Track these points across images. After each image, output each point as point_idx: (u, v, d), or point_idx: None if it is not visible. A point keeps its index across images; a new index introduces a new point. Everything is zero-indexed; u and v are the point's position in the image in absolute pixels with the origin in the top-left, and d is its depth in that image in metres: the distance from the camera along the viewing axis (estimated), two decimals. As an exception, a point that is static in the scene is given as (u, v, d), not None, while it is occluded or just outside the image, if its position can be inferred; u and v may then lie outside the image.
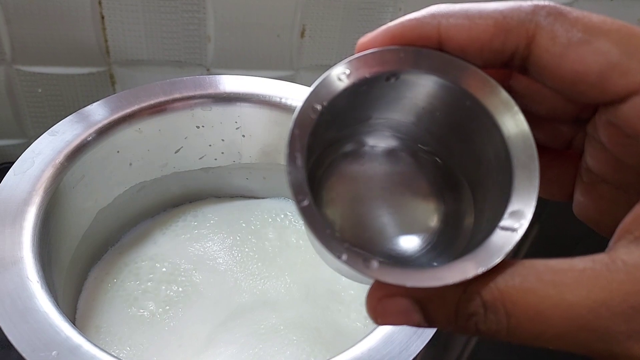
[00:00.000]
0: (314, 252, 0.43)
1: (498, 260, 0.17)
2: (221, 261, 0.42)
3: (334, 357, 0.28)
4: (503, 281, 0.17)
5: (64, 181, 0.35)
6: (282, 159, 0.44)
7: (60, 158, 0.35)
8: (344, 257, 0.17)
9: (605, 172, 0.20)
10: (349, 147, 0.21)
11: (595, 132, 0.20)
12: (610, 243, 0.18)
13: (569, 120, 0.21)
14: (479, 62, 0.18)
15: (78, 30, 0.49)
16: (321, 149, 0.20)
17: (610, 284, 0.16)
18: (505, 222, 0.17)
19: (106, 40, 0.50)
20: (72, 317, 0.38)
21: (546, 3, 0.18)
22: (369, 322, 0.39)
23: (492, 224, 0.18)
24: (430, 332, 0.29)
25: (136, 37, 0.50)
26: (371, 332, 0.29)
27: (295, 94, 0.41)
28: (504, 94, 0.18)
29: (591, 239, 0.62)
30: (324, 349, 0.37)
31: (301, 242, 0.44)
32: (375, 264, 0.17)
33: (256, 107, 0.41)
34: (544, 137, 0.22)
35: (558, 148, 0.22)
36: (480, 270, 0.17)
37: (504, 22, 0.18)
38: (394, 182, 0.21)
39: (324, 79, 0.18)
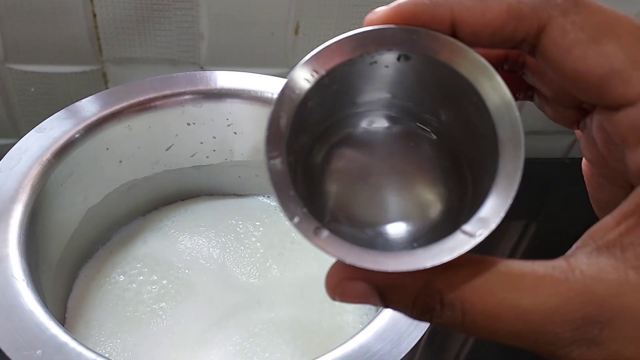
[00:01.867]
0: (307, 250, 0.43)
1: (439, 262, 0.17)
2: (214, 260, 0.42)
3: (326, 353, 0.27)
4: (464, 281, 0.17)
5: (52, 178, 0.34)
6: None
7: (48, 155, 0.34)
8: (296, 220, 0.17)
9: (593, 162, 0.21)
10: (350, 130, 0.21)
11: (591, 127, 0.20)
12: (573, 247, 0.18)
13: (574, 106, 0.21)
14: (487, 44, 0.18)
15: (70, 28, 0.49)
16: (314, 133, 0.20)
17: (566, 292, 0.17)
18: (468, 226, 0.17)
19: (99, 39, 0.50)
20: (62, 316, 0.37)
21: None
22: (363, 320, 0.39)
23: (464, 222, 0.17)
24: (422, 329, 0.29)
25: (129, 35, 0.50)
26: (363, 328, 0.29)
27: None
28: (498, 81, 0.18)
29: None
30: (318, 347, 0.37)
31: (295, 240, 0.44)
32: (324, 233, 0.17)
33: (248, 103, 0.41)
34: (552, 115, 0.22)
35: (566, 126, 0.22)
36: (419, 266, 0.17)
37: (517, 8, 0.18)
38: (399, 164, 0.21)
39: (321, 50, 0.18)
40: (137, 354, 0.36)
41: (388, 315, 0.29)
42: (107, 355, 0.33)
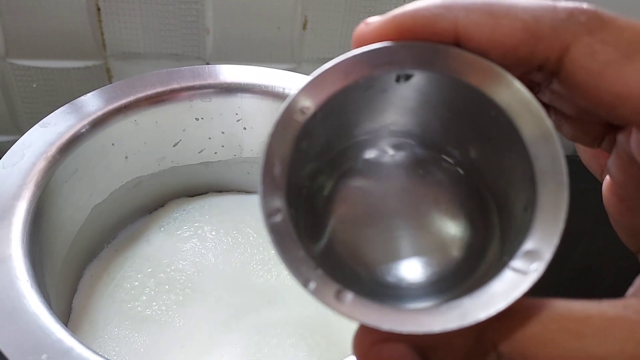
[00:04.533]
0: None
1: (494, 311, 0.14)
2: (222, 259, 0.41)
3: (343, 359, 0.26)
4: (521, 330, 0.15)
5: (56, 175, 0.33)
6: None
7: (52, 150, 0.33)
8: (312, 286, 0.15)
9: (627, 183, 0.19)
10: (354, 162, 0.19)
11: (626, 144, 0.17)
12: (637, 282, 0.16)
13: (598, 123, 0.19)
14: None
15: (73, 23, 0.48)
16: (315, 171, 0.18)
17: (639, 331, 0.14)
18: (517, 262, 0.15)
19: (102, 33, 0.49)
20: (66, 317, 0.36)
21: (586, 7, 0.15)
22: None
23: (508, 259, 0.15)
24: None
25: (133, 30, 0.49)
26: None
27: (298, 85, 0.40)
28: (534, 105, 0.15)
29: (597, 232, 0.61)
30: (330, 347, 0.36)
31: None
32: (348, 297, 0.15)
33: (258, 97, 0.40)
34: (573, 133, 0.19)
35: (586, 145, 0.20)
36: (471, 320, 0.14)
37: (534, 27, 0.15)
38: (411, 197, 0.18)
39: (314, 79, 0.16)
40: (144, 355, 0.35)
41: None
42: (113, 356, 0.32)
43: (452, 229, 0.18)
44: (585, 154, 0.21)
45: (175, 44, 0.51)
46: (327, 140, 0.18)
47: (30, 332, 0.26)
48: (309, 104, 0.16)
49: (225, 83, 0.39)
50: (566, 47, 0.15)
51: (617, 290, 0.55)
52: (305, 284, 0.15)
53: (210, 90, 0.39)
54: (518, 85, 0.15)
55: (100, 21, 0.48)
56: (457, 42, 0.16)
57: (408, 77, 0.16)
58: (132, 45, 0.50)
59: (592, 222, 0.65)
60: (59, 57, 0.50)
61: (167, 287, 0.38)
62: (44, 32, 0.48)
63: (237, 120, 0.41)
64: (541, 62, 0.16)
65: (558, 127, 0.19)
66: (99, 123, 0.36)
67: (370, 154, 0.19)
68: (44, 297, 0.28)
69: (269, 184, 0.15)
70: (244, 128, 0.42)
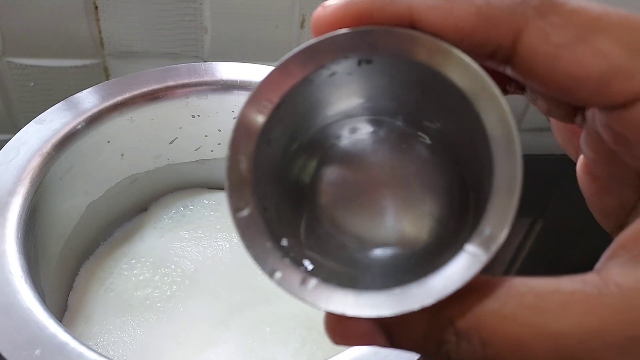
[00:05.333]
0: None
1: (444, 294, 0.14)
2: (218, 256, 0.41)
3: (337, 354, 0.26)
4: (479, 306, 0.15)
5: (52, 171, 0.33)
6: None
7: (48, 147, 0.33)
8: (277, 275, 0.15)
9: (598, 161, 0.19)
10: (341, 135, 0.19)
11: (593, 123, 0.17)
12: (602, 259, 0.16)
13: (567, 103, 0.18)
14: None
15: (71, 22, 0.48)
16: (302, 144, 0.18)
17: (603, 310, 0.14)
18: (471, 244, 0.15)
19: (100, 32, 0.49)
20: (62, 314, 0.36)
21: None
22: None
23: (469, 235, 0.15)
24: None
25: (131, 29, 0.49)
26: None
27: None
28: (487, 81, 0.15)
29: (595, 233, 0.61)
30: (328, 344, 0.36)
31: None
32: (313, 283, 0.15)
33: (254, 95, 0.40)
34: (545, 109, 0.19)
35: (561, 119, 0.20)
36: (425, 302, 0.14)
37: (488, 11, 0.15)
38: (396, 171, 0.19)
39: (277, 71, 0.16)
40: (140, 352, 0.35)
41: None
42: (109, 353, 0.31)
43: (429, 205, 0.18)
44: (561, 135, 0.21)
45: (173, 42, 0.51)
46: (301, 126, 0.18)
47: (24, 327, 0.26)
48: (270, 97, 0.16)
49: (222, 80, 0.39)
50: (519, 31, 0.15)
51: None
52: (271, 274, 0.15)
53: (207, 87, 0.39)
54: (469, 61, 0.15)
55: (97, 20, 0.48)
56: (413, 26, 0.16)
57: (368, 62, 0.16)
58: (130, 44, 0.50)
59: (590, 222, 0.65)
60: (56, 56, 0.50)
61: (163, 284, 0.38)
62: (41, 31, 0.48)
63: (234, 118, 0.41)
64: (495, 47, 0.15)
65: (533, 101, 0.19)
66: (94, 120, 0.36)
67: (348, 133, 0.19)
68: (38, 292, 0.28)
69: (235, 180, 0.16)
70: (241, 126, 0.42)
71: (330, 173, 0.19)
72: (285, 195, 0.17)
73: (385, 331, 0.16)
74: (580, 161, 0.20)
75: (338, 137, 0.19)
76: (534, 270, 0.52)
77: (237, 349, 0.35)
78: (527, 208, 0.59)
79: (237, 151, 0.16)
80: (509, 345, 0.14)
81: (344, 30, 0.16)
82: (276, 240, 0.16)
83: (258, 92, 0.16)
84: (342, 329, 0.16)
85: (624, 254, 0.15)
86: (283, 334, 0.36)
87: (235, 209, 0.15)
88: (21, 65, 0.50)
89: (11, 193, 0.31)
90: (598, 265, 0.16)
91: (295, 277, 0.15)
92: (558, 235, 0.56)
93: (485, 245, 0.15)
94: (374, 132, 0.19)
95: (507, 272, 0.52)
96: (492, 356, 0.15)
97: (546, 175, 0.65)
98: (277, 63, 0.16)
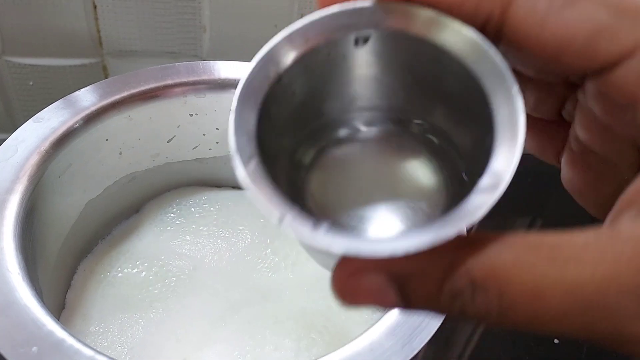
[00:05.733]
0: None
1: (465, 224, 0.14)
2: (217, 254, 0.41)
3: (336, 351, 0.26)
4: (495, 256, 0.14)
5: (50, 170, 0.33)
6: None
7: (46, 145, 0.33)
8: (288, 218, 0.15)
9: (595, 143, 0.19)
10: (336, 135, 0.19)
11: (586, 100, 0.18)
12: (610, 216, 0.16)
13: (558, 84, 0.19)
14: None
15: (70, 20, 0.48)
16: (298, 136, 0.18)
17: (617, 260, 0.14)
18: (480, 186, 0.15)
19: (99, 31, 0.49)
20: (59, 312, 0.36)
21: None
22: (373, 316, 0.38)
23: (471, 189, 0.15)
24: (434, 326, 0.28)
25: (129, 27, 0.49)
26: (373, 325, 0.27)
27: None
28: (482, 43, 0.16)
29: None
30: (325, 342, 0.36)
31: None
32: (325, 227, 0.15)
33: (252, 94, 0.40)
34: (533, 101, 0.20)
35: (547, 117, 0.20)
36: (445, 235, 0.14)
37: None
38: (390, 166, 0.19)
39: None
40: (139, 350, 0.35)
41: (397, 311, 0.28)
42: (107, 351, 0.32)
43: (427, 192, 0.19)
44: (538, 145, 0.21)
45: (172, 41, 0.51)
46: (297, 111, 0.18)
47: (21, 325, 0.26)
48: (273, 68, 0.16)
49: (220, 79, 0.39)
50: (508, 1, 0.15)
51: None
52: (281, 218, 0.15)
53: (205, 86, 0.39)
54: (463, 27, 0.16)
55: (96, 19, 0.48)
56: None
57: (365, 40, 0.16)
58: (129, 43, 0.50)
59: (589, 221, 0.64)
60: (55, 55, 0.50)
61: (161, 282, 0.38)
62: (40, 30, 0.48)
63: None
64: (485, 19, 0.16)
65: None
66: (92, 118, 0.36)
67: (343, 132, 0.19)
68: (35, 290, 0.28)
69: (241, 136, 0.16)
70: (239, 124, 0.42)
71: (328, 164, 0.19)
72: (282, 180, 0.17)
73: (399, 287, 0.15)
74: (566, 159, 0.20)
75: (333, 137, 0.19)
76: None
77: (235, 347, 0.35)
78: (525, 207, 0.59)
79: (241, 115, 0.16)
80: (525, 296, 0.14)
81: (342, 6, 0.16)
82: (282, 193, 0.15)
83: (262, 61, 0.17)
84: (353, 285, 0.15)
85: (633, 207, 0.15)
86: (281, 332, 0.36)
87: (243, 162, 0.15)
88: (20, 65, 0.50)
89: (9, 191, 0.31)
90: (606, 222, 0.16)
91: (305, 222, 0.15)
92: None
93: (495, 184, 0.15)
94: (367, 132, 0.19)
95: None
96: (507, 308, 0.15)
97: (545, 175, 0.65)
98: (279, 36, 0.16)
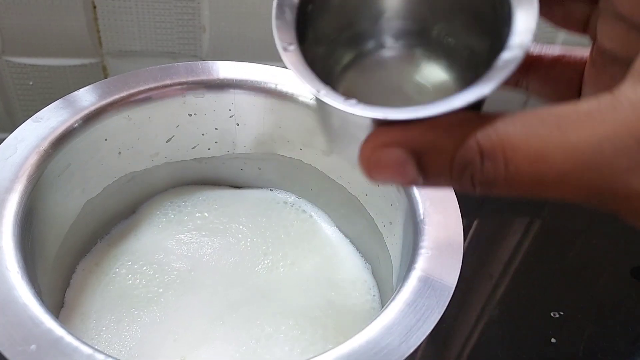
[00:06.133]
0: (312, 243, 0.42)
1: (494, 85, 0.16)
2: (216, 254, 0.41)
3: (334, 348, 0.26)
4: (503, 126, 0.16)
5: (49, 169, 0.33)
6: (278, 148, 0.43)
7: (45, 145, 0.33)
8: (322, 92, 0.18)
9: (621, 47, 0.19)
10: (367, 46, 0.22)
11: (610, 3, 0.19)
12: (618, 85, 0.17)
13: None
14: None
15: (69, 20, 0.48)
16: (335, 43, 0.21)
17: (614, 120, 0.16)
18: (503, 55, 0.17)
19: (98, 31, 0.49)
20: (58, 311, 0.36)
21: None
22: (371, 314, 0.38)
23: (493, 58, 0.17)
24: (431, 324, 0.28)
25: (129, 28, 0.49)
26: (371, 322, 0.28)
27: (291, 81, 0.40)
28: None
29: (593, 232, 0.61)
30: (324, 340, 0.36)
31: (298, 233, 0.43)
32: (355, 100, 0.17)
33: (251, 93, 0.40)
34: (558, 15, 0.21)
35: (573, 29, 0.21)
36: (467, 100, 0.16)
37: None
38: (411, 66, 0.21)
39: None
40: (137, 349, 0.35)
41: (397, 308, 0.28)
42: (105, 350, 0.32)
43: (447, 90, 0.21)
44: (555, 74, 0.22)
45: (172, 42, 0.51)
46: (330, 17, 0.21)
47: (20, 323, 0.26)
48: None
49: (218, 79, 0.39)
50: None
51: (614, 289, 0.55)
52: (317, 91, 0.18)
53: (203, 86, 0.39)
54: None
55: (96, 19, 0.49)
56: None
57: None
58: (128, 43, 0.50)
59: (588, 222, 0.65)
60: (55, 55, 0.50)
61: (160, 281, 0.38)
62: (40, 30, 0.48)
63: (231, 117, 0.41)
64: None
65: (548, 14, 0.21)
66: (91, 118, 0.36)
67: (371, 43, 0.22)
68: (34, 289, 0.28)
69: (281, 24, 0.19)
70: (237, 124, 0.42)
71: (360, 69, 0.22)
72: (322, 63, 0.20)
73: (416, 160, 0.17)
74: (589, 75, 0.21)
75: (365, 46, 0.22)
76: (532, 270, 0.52)
77: (234, 345, 0.35)
78: (524, 208, 0.59)
79: (282, 4, 0.20)
80: (530, 160, 0.16)
81: None
82: (317, 73, 0.18)
83: None
84: (377, 157, 0.17)
85: (634, 76, 0.16)
86: (280, 330, 0.36)
87: (283, 47, 0.19)
88: (20, 64, 0.50)
89: (8, 190, 0.31)
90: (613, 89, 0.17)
91: (338, 95, 0.18)
92: (556, 235, 0.57)
93: (521, 39, 0.16)
94: (395, 44, 0.22)
95: (505, 272, 0.52)
96: (513, 173, 0.16)
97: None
98: None
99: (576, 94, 0.21)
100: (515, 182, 0.16)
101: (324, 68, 0.20)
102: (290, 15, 0.19)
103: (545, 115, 0.16)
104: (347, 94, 0.19)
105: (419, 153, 0.17)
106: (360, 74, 0.21)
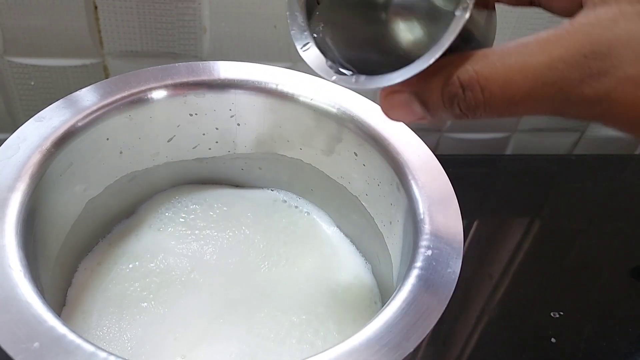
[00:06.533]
0: (310, 243, 0.42)
1: (450, 41, 0.20)
2: (217, 252, 0.41)
3: (333, 347, 0.26)
4: (475, 62, 0.20)
5: (51, 168, 0.34)
6: (279, 148, 0.43)
7: (47, 144, 0.34)
8: (335, 77, 0.24)
9: None
10: None
11: None
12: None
13: None
14: None
15: (71, 21, 0.48)
16: None
17: (567, 42, 0.19)
18: (454, 14, 0.21)
19: (99, 31, 0.49)
20: (60, 309, 0.36)
21: None
22: (370, 310, 0.38)
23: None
24: (431, 323, 0.28)
25: (130, 28, 0.49)
26: (370, 322, 0.28)
27: (292, 81, 0.40)
28: None
29: (593, 232, 0.61)
30: (324, 339, 0.36)
31: (299, 233, 0.43)
32: (362, 77, 0.23)
33: (251, 93, 0.40)
34: None
35: None
36: (438, 53, 0.21)
37: None
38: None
39: None
40: (138, 348, 0.35)
41: (397, 308, 0.28)
42: (106, 348, 0.32)
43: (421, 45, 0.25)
44: None
45: (172, 42, 0.51)
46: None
47: (23, 321, 0.26)
48: None
49: (219, 79, 0.39)
50: None
51: (613, 289, 0.55)
52: (330, 77, 0.24)
53: (204, 86, 0.39)
54: None
55: (97, 19, 0.49)
56: None
57: None
58: (130, 43, 0.50)
59: (587, 222, 0.65)
60: (56, 55, 0.50)
61: (161, 280, 0.39)
62: (41, 30, 0.48)
63: (231, 117, 0.41)
64: None
65: None
66: (93, 118, 0.36)
67: None
68: (37, 287, 0.28)
69: (296, 29, 0.25)
70: (238, 124, 0.42)
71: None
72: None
73: (418, 99, 0.22)
74: None
75: None
76: (532, 270, 0.52)
77: (234, 344, 0.36)
78: (525, 207, 0.59)
79: (293, 8, 0.25)
80: (500, 85, 0.20)
81: None
82: (330, 61, 0.25)
83: None
84: (390, 102, 0.23)
85: (589, 4, 0.20)
86: (280, 328, 0.37)
87: (301, 47, 0.25)
88: (22, 65, 0.50)
89: (11, 189, 0.31)
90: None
91: (348, 77, 0.24)
92: (556, 235, 0.57)
93: (462, 9, 0.20)
94: None
95: (505, 272, 0.52)
96: (489, 98, 0.20)
97: (544, 175, 0.65)
98: None
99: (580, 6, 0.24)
100: (492, 105, 0.20)
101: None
102: (301, 18, 0.24)
103: (512, 46, 0.20)
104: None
105: (418, 94, 0.22)
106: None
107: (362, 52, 0.26)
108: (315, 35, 0.25)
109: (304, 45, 0.24)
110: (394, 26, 0.26)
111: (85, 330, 0.35)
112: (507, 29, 0.54)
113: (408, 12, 0.26)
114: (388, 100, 0.23)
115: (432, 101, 0.22)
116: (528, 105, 0.20)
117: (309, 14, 0.25)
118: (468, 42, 0.22)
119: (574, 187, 0.63)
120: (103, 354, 0.25)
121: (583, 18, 0.19)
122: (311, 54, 0.24)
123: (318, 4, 0.26)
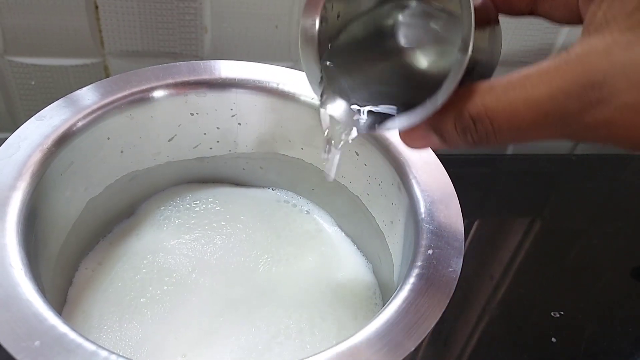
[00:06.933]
0: (310, 242, 0.42)
1: (453, 87, 0.22)
2: (217, 252, 0.41)
3: (333, 346, 0.26)
4: (482, 96, 0.22)
5: (52, 167, 0.34)
6: (280, 148, 0.43)
7: (48, 143, 0.34)
8: (357, 123, 0.27)
9: None
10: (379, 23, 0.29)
11: None
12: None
13: None
14: None
15: (72, 20, 0.48)
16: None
17: (565, 73, 0.20)
18: (455, 58, 0.22)
19: (100, 31, 0.49)
20: (61, 308, 0.36)
21: None
22: (371, 310, 0.38)
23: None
24: (432, 323, 0.28)
25: (131, 28, 0.49)
26: (372, 320, 0.28)
27: (293, 80, 0.40)
28: None
29: (593, 232, 0.61)
30: (324, 338, 0.36)
31: (300, 232, 0.43)
32: (382, 124, 0.26)
33: (252, 93, 0.40)
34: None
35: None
36: (441, 100, 0.23)
37: None
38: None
39: None
40: (138, 347, 0.35)
41: (397, 307, 0.28)
42: (108, 347, 0.32)
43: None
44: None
45: (173, 42, 0.51)
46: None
47: (23, 319, 0.26)
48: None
49: (220, 78, 0.39)
50: None
51: (614, 289, 0.55)
52: (355, 125, 0.27)
53: (205, 85, 0.39)
54: None
55: (98, 19, 0.49)
56: None
57: None
58: (130, 43, 0.51)
59: (588, 222, 0.65)
60: (57, 55, 0.50)
61: (161, 280, 0.39)
62: (42, 30, 0.48)
63: (232, 116, 0.41)
64: None
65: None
66: (94, 117, 0.36)
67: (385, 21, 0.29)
68: (37, 285, 0.28)
69: (313, 83, 0.27)
70: (239, 124, 0.42)
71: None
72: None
73: (435, 131, 0.24)
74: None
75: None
76: (532, 269, 0.52)
77: (234, 342, 0.36)
78: (525, 208, 0.59)
79: (307, 16, 0.27)
80: (506, 116, 0.21)
81: None
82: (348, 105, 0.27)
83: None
84: (410, 135, 0.25)
85: (584, 33, 0.21)
86: (280, 327, 0.37)
87: (321, 100, 0.27)
88: (22, 64, 0.50)
89: (12, 188, 0.31)
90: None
91: (367, 122, 0.27)
92: (556, 235, 0.57)
93: (462, 51, 0.22)
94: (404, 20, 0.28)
95: (506, 271, 0.52)
96: (498, 128, 0.22)
97: (544, 176, 0.65)
98: None
99: (579, 17, 0.24)
100: (501, 134, 0.22)
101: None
102: (317, 71, 0.27)
103: (515, 78, 0.21)
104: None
105: (434, 126, 0.24)
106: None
107: (377, 87, 0.28)
108: (329, 82, 0.27)
109: (325, 99, 0.27)
110: (406, 59, 0.28)
111: (86, 330, 0.35)
112: (507, 30, 0.54)
113: (416, 44, 0.28)
114: (408, 134, 0.25)
115: (447, 133, 0.24)
116: (534, 133, 0.21)
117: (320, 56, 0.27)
118: (474, 68, 0.23)
119: (575, 187, 0.63)
120: (104, 353, 0.25)
121: (579, 48, 0.20)
122: (335, 106, 0.27)
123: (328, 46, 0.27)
